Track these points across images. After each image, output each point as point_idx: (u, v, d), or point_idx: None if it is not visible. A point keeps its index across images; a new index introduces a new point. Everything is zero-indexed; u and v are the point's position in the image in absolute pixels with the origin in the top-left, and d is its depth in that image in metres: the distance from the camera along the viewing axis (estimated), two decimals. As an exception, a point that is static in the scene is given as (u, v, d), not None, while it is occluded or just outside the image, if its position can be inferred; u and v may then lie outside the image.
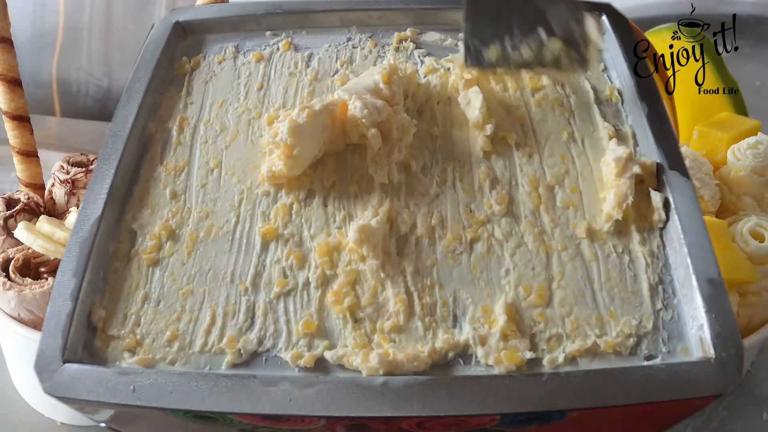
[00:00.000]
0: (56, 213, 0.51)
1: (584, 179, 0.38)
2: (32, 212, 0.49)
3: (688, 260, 0.34)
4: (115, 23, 0.94)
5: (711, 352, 0.32)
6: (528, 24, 0.39)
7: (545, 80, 0.42)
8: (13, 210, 0.48)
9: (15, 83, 0.48)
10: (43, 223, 0.46)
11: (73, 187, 0.50)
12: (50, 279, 0.44)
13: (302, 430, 0.33)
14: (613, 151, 0.38)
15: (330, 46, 0.45)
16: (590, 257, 0.36)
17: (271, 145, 0.37)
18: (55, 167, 0.52)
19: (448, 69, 0.43)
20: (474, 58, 0.39)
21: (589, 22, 0.40)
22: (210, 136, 0.41)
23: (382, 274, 0.35)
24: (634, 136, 0.40)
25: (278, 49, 0.45)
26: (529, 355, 0.32)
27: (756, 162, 0.50)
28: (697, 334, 0.33)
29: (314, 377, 0.32)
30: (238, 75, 0.44)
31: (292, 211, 0.37)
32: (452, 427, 0.32)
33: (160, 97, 0.42)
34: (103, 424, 0.35)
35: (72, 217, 0.48)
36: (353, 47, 0.45)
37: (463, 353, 0.33)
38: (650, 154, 0.38)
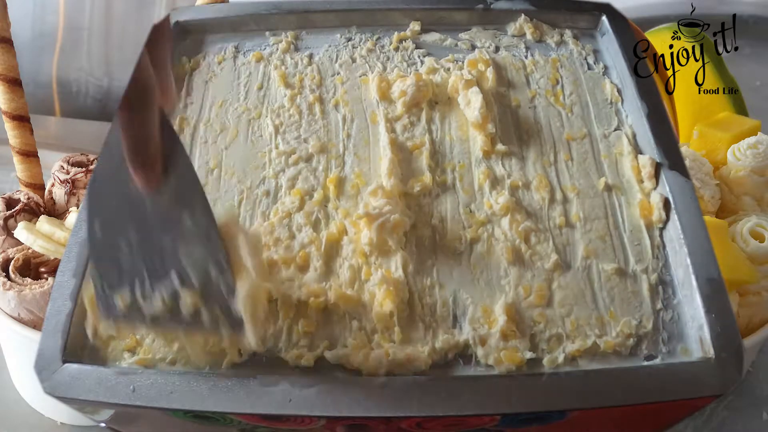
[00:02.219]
0: (56, 213, 0.51)
1: (584, 179, 0.38)
2: (32, 212, 0.49)
3: (688, 260, 0.34)
4: (115, 23, 0.94)
5: (711, 352, 0.31)
6: (158, 265, 0.29)
7: (543, 81, 0.43)
8: (13, 210, 0.48)
9: (15, 83, 0.48)
10: (43, 223, 0.46)
11: (73, 187, 0.50)
12: (50, 279, 0.44)
13: (302, 430, 0.33)
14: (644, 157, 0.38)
15: (330, 46, 0.45)
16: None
17: None
18: (55, 167, 0.52)
19: (448, 69, 0.43)
20: (104, 308, 0.29)
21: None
22: (210, 137, 0.41)
23: (382, 274, 0.35)
24: (634, 136, 0.40)
25: (278, 49, 0.45)
26: (529, 355, 0.32)
27: (756, 162, 0.50)
28: (697, 334, 0.33)
29: (314, 377, 0.32)
30: (238, 75, 0.44)
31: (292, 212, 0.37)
32: (452, 427, 0.32)
33: (160, 97, 0.42)
34: (103, 424, 0.35)
35: (72, 217, 0.48)
36: (353, 47, 0.45)
37: (463, 353, 0.33)
38: (650, 154, 0.38)
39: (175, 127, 0.41)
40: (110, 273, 0.29)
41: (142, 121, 0.29)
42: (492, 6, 0.45)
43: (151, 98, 0.29)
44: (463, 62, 0.43)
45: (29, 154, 0.51)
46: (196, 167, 0.39)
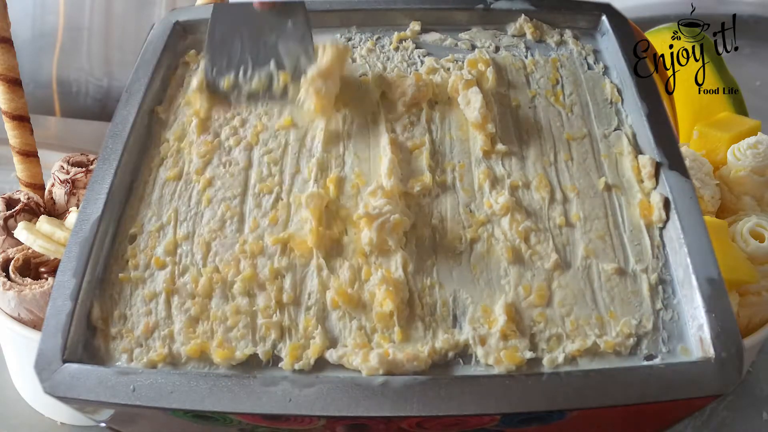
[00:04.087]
0: (56, 213, 0.51)
1: (584, 179, 0.38)
2: (32, 212, 0.49)
3: (688, 260, 0.34)
4: (115, 23, 0.94)
5: (711, 352, 0.31)
6: (261, 57, 0.41)
7: (543, 81, 0.43)
8: (13, 210, 0.48)
9: (15, 83, 0.48)
10: (43, 223, 0.46)
11: (73, 187, 0.50)
12: (50, 279, 0.44)
13: (302, 430, 0.33)
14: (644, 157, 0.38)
15: (330, 46, 0.45)
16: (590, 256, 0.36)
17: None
18: (55, 167, 0.52)
19: (448, 69, 0.43)
20: (210, 85, 0.41)
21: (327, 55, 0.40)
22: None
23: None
24: (634, 136, 0.40)
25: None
26: (529, 355, 0.32)
27: (756, 162, 0.50)
28: (697, 334, 0.33)
29: (314, 377, 0.32)
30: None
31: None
32: (452, 427, 0.32)
33: (159, 97, 0.42)
34: (103, 424, 0.35)
35: (72, 217, 0.48)
36: (353, 47, 0.45)
37: (463, 353, 0.33)
38: (650, 154, 0.38)
39: (193, 126, 0.41)
40: (221, 62, 0.41)
41: None
42: (492, 6, 0.45)
43: None
44: (463, 62, 0.43)
45: (29, 154, 0.51)
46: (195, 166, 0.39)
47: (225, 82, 0.41)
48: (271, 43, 0.41)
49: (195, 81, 0.41)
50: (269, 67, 0.41)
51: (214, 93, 0.41)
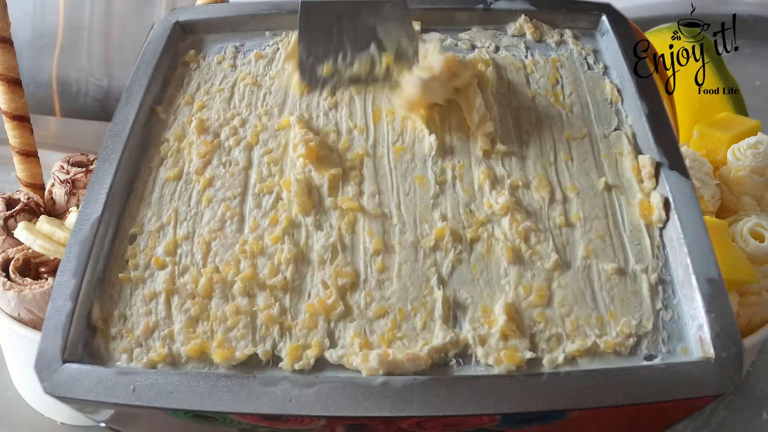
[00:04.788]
0: (56, 213, 0.51)
1: (584, 179, 0.38)
2: (32, 212, 0.49)
3: (688, 260, 0.34)
4: (115, 23, 0.94)
5: (711, 352, 0.32)
6: (360, 41, 0.40)
7: (543, 81, 0.43)
8: (13, 210, 0.48)
9: (15, 83, 0.48)
10: (43, 223, 0.46)
11: (73, 187, 0.50)
12: (50, 279, 0.44)
13: (302, 430, 0.33)
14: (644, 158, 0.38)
15: (330, 46, 0.45)
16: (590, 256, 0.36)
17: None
18: (55, 167, 0.52)
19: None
20: (308, 73, 0.41)
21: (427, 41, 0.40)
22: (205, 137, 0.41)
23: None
24: (634, 136, 0.40)
25: (278, 48, 0.45)
26: (529, 355, 0.32)
27: (756, 162, 0.50)
28: (697, 334, 0.33)
29: (314, 377, 0.32)
30: (238, 75, 0.44)
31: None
32: (452, 427, 0.32)
33: (159, 97, 0.42)
34: (103, 424, 0.35)
35: (72, 217, 0.48)
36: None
37: (463, 353, 0.33)
38: (650, 154, 0.38)
39: (193, 128, 0.41)
40: (318, 49, 0.40)
41: None
42: (492, 6, 0.45)
43: None
44: (463, 62, 0.43)
45: (29, 154, 0.51)
46: (196, 165, 0.39)
47: (324, 69, 0.41)
48: (370, 26, 0.40)
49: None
50: (370, 50, 0.40)
51: (311, 80, 0.41)
